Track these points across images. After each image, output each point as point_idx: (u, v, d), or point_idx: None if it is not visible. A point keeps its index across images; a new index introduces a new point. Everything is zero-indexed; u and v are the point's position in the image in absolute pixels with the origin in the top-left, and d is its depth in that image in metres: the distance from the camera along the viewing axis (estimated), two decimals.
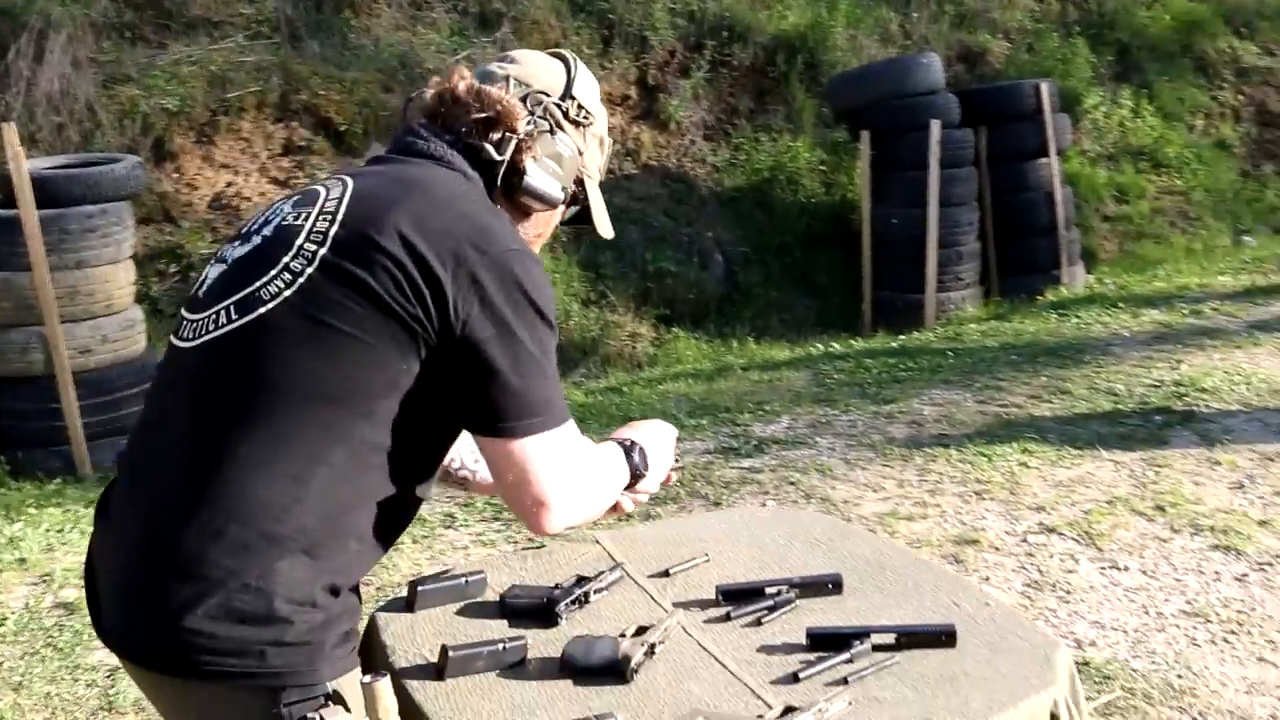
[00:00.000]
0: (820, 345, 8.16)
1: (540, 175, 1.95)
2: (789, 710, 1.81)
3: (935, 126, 8.88)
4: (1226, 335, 7.47)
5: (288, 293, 1.73)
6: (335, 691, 1.70)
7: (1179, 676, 3.67)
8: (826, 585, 2.26)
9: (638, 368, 8.17)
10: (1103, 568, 4.42)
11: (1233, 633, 3.93)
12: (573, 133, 2.03)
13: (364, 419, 1.72)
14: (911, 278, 9.08)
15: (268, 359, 1.71)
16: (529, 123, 1.94)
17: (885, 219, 9.16)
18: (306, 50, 8.54)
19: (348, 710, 1.70)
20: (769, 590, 2.23)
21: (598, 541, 2.47)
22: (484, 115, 1.92)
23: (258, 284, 1.75)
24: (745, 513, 2.97)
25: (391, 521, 1.81)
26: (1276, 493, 5.03)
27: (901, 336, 8.40)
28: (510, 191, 1.94)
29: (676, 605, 2.21)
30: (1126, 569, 4.39)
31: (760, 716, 1.81)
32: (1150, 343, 7.42)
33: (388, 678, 1.74)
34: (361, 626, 1.92)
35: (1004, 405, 6.31)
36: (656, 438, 2.20)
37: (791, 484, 5.34)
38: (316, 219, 1.78)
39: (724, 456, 5.72)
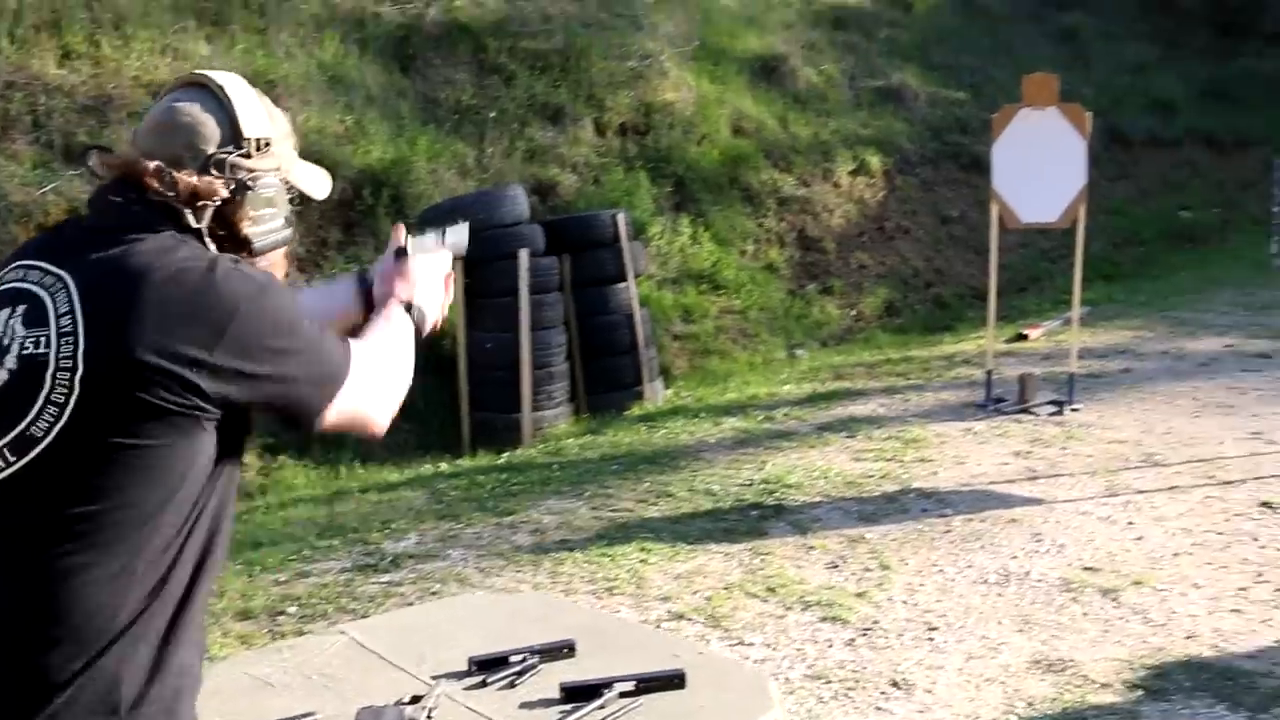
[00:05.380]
0: (430, 466, 8.45)
1: (264, 233, 2.02)
2: None
3: (524, 255, 9.41)
4: (799, 436, 8.28)
5: (60, 425, 1.78)
6: None
7: None
8: (562, 650, 2.58)
9: (248, 496, 8.18)
10: (731, 645, 4.91)
11: (851, 689, 4.48)
12: (264, 159, 2.03)
13: (168, 505, 1.83)
14: (507, 399, 9.49)
15: (63, 489, 1.79)
16: (226, 187, 1.96)
17: (480, 344, 9.58)
18: None
19: None
20: (514, 658, 2.54)
21: (343, 632, 2.71)
22: (179, 198, 1.92)
23: (25, 423, 1.80)
24: (466, 599, 3.25)
25: (211, 577, 1.95)
26: (866, 569, 5.70)
27: (504, 455, 8.78)
28: (240, 247, 1.99)
29: (435, 678, 2.48)
30: (752, 644, 4.90)
31: None
32: (734, 447, 8.12)
33: None
34: None
35: (615, 510, 6.79)
36: (428, 280, 2.32)
37: (433, 594, 5.59)
38: (59, 343, 1.81)
39: (363, 573, 5.90)
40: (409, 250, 2.33)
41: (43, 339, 1.82)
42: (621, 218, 10.21)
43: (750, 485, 7.14)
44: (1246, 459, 7.21)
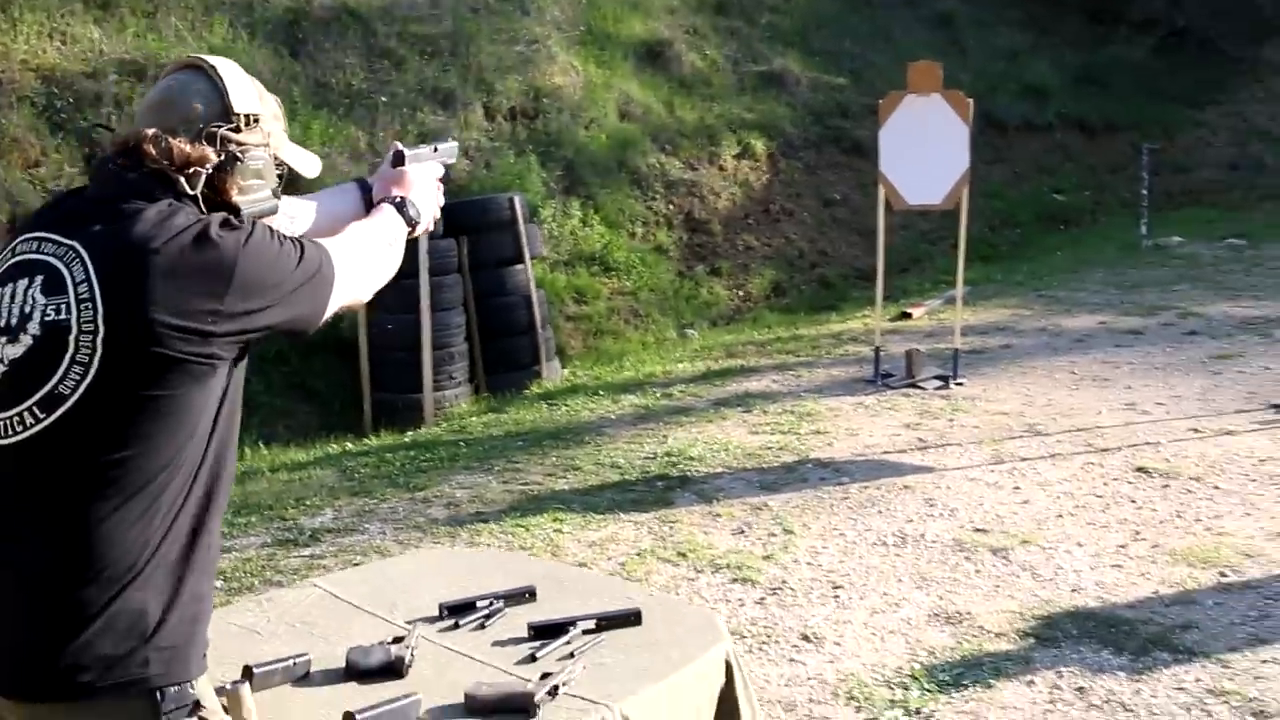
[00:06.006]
0: (336, 445, 8.57)
1: (252, 201, 2.20)
2: (545, 675, 2.34)
3: (423, 237, 9.55)
4: (697, 412, 8.54)
5: (86, 382, 1.96)
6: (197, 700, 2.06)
7: None
8: (524, 595, 2.80)
9: None
10: None
11: (764, 643, 4.75)
12: (252, 134, 2.21)
13: (187, 445, 2.05)
14: (409, 379, 9.65)
15: (91, 441, 1.99)
16: (217, 155, 2.13)
17: (381, 325, 9.71)
18: None
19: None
20: (480, 603, 2.75)
21: (316, 585, 2.89)
22: (173, 165, 2.09)
23: (53, 382, 1.98)
24: (426, 554, 3.45)
25: (219, 509, 2.15)
26: (771, 534, 5.97)
27: (409, 434, 8.93)
28: (230, 214, 2.14)
29: (410, 622, 2.68)
30: None
31: (528, 681, 2.32)
32: (635, 423, 8.36)
33: (248, 684, 2.13)
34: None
35: (525, 484, 6.99)
36: (422, 183, 2.64)
37: (355, 565, 5.75)
38: (79, 309, 1.98)
39: (284, 548, 6.05)
40: (405, 158, 2.62)
41: (63, 305, 1.99)
42: (518, 200, 10.40)
43: (654, 458, 7.38)
44: (1122, 428, 7.62)
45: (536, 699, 2.23)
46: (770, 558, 5.67)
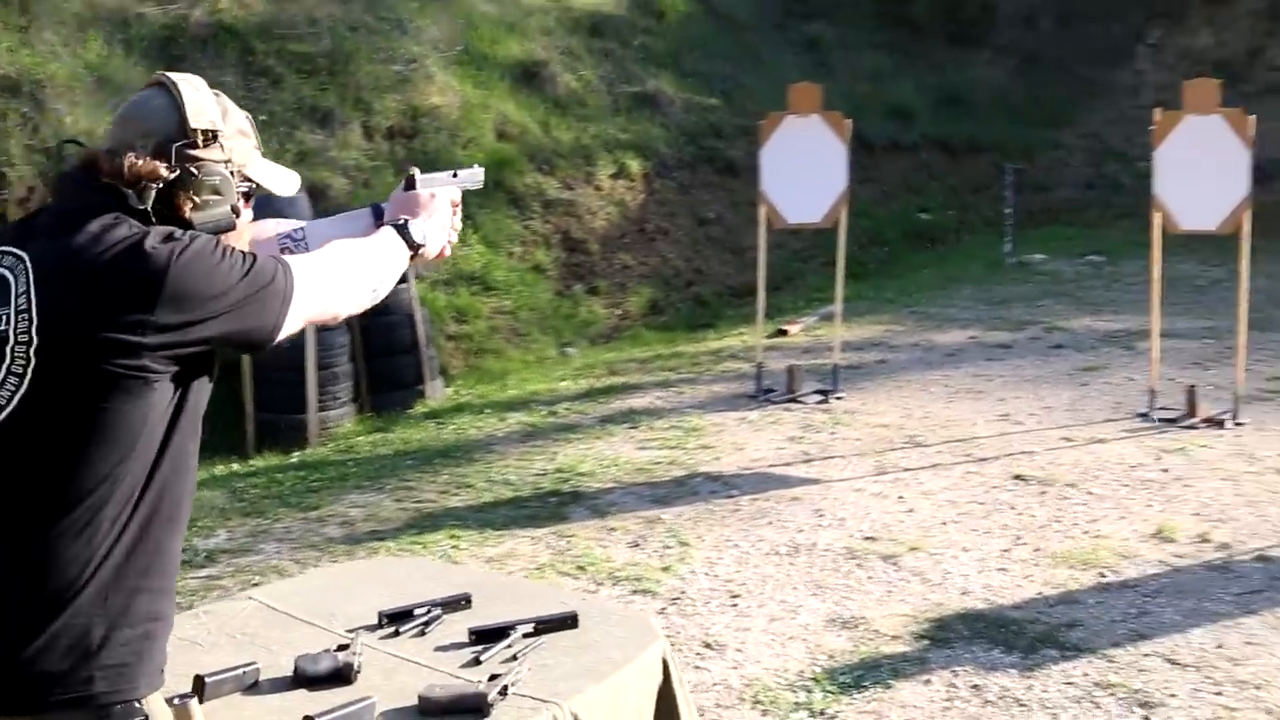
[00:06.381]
0: (222, 467, 8.51)
1: (205, 217, 2.19)
2: (494, 677, 2.43)
3: None
4: (584, 429, 8.65)
5: (20, 394, 1.99)
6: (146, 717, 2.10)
7: None
8: (460, 602, 2.88)
9: None
10: None
11: None
12: (211, 150, 2.21)
13: (126, 460, 2.04)
14: (292, 399, 9.58)
15: (27, 453, 2.01)
16: (169, 171, 2.14)
17: None
18: None
19: None
20: (418, 611, 2.82)
21: (251, 598, 2.94)
22: (124, 180, 2.12)
23: None
24: (357, 565, 3.50)
25: (174, 529, 2.17)
26: (666, 546, 6.10)
27: (294, 454, 8.89)
28: (183, 228, 2.14)
29: (350, 631, 2.74)
30: None
31: (479, 682, 2.40)
32: (524, 440, 8.44)
33: (196, 699, 2.18)
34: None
35: (419, 502, 7.04)
36: (433, 208, 2.62)
37: (254, 585, 5.75)
38: (16, 320, 2.00)
39: (180, 569, 6.00)
40: (417, 182, 2.64)
41: (4, 317, 2.02)
42: None
43: (545, 475, 7.47)
44: (998, 438, 7.90)
45: (489, 698, 2.31)
46: (668, 569, 5.79)
